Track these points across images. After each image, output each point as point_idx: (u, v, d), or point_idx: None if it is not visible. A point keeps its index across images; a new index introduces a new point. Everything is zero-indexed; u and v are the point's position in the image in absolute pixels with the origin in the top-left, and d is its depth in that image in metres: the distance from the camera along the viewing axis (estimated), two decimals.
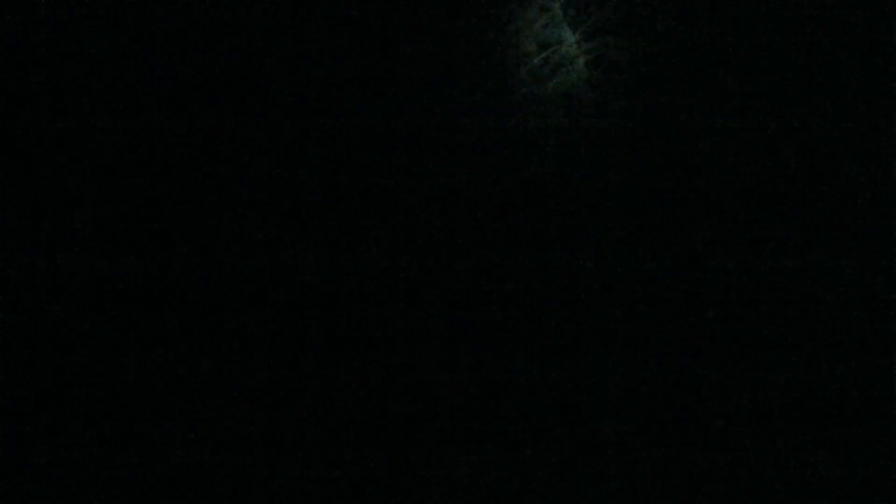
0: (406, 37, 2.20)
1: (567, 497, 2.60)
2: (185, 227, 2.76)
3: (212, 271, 2.92)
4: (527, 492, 2.77)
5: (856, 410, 2.38)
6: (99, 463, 2.46)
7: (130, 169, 2.54)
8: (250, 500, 2.63)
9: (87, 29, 2.28)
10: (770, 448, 2.35)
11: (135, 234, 2.70)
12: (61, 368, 2.69)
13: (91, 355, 2.79)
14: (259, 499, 2.66)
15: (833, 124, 2.10)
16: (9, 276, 2.67)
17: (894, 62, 1.96)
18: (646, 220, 2.10)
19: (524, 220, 2.72)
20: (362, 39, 2.44)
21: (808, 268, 2.26)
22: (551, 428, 2.77)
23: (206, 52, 2.30)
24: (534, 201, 2.66)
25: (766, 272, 2.29)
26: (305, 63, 2.08)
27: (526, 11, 2.45)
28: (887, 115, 1.91)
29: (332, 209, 2.46)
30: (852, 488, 2.30)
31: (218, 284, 2.97)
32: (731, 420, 2.43)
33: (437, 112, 2.28)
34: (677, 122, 2.03)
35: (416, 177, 2.57)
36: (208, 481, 2.57)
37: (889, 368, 2.35)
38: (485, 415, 3.07)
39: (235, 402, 2.87)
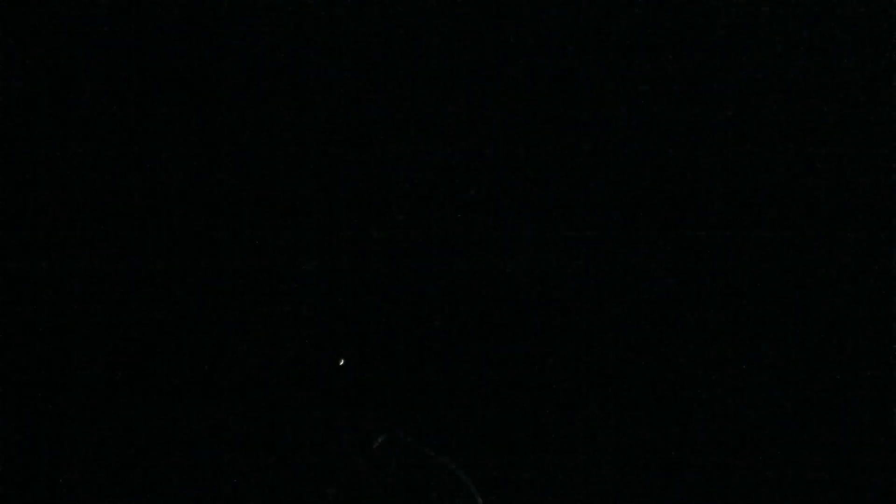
0: None
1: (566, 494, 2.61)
2: (184, 225, 2.77)
3: (212, 270, 2.93)
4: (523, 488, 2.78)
5: (856, 411, 2.39)
6: (97, 463, 2.46)
7: (129, 167, 2.55)
8: (250, 499, 2.63)
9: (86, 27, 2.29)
10: (767, 447, 2.36)
11: (134, 233, 2.71)
12: (60, 368, 2.69)
13: (90, 355, 2.79)
14: (260, 498, 2.66)
15: (833, 125, 2.12)
16: (8, 276, 2.68)
17: (894, 62, 1.97)
18: (644, 215, 2.11)
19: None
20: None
21: (807, 268, 2.27)
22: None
23: (207, 50, 2.31)
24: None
25: (765, 271, 2.30)
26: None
27: None
28: (887, 115, 1.92)
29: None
30: (852, 488, 2.31)
31: (218, 283, 2.98)
32: (730, 420, 2.45)
33: None
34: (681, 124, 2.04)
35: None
36: (208, 481, 2.58)
37: (889, 368, 2.37)
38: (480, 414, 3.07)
39: (235, 402, 2.87)
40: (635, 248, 2.13)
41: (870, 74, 1.83)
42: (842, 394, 2.19)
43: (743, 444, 2.25)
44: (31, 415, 2.19)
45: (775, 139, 1.89)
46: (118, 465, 2.24)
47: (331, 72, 1.94)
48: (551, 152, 1.90)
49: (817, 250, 1.94)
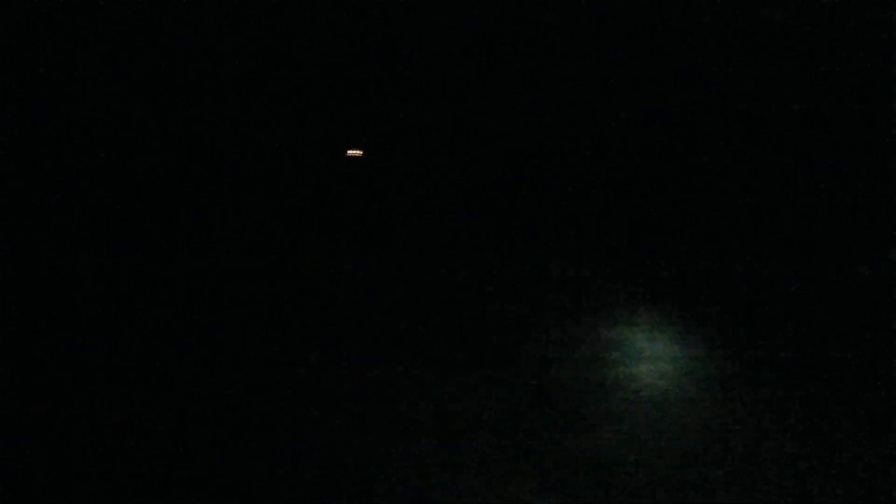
0: None
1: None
2: (182, 225, 2.75)
3: (208, 270, 2.90)
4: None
5: (855, 410, 2.38)
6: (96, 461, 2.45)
7: (128, 168, 2.53)
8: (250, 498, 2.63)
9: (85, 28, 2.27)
10: (768, 446, 2.35)
11: (133, 233, 2.69)
12: (60, 368, 2.68)
13: (89, 354, 2.78)
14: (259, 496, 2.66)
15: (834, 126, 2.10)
16: (8, 276, 2.66)
17: (894, 62, 1.95)
18: (649, 220, 2.09)
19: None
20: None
21: (808, 268, 2.25)
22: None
23: (204, 50, 2.29)
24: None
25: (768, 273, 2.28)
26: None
27: None
28: (887, 115, 1.90)
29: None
30: (851, 488, 2.30)
31: (214, 283, 2.96)
32: (731, 418, 2.44)
33: None
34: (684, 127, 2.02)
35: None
36: (206, 479, 2.57)
37: (889, 368, 2.35)
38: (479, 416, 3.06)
39: (233, 401, 2.87)
40: (635, 250, 2.14)
41: (870, 75, 1.84)
42: (842, 393, 2.19)
43: (743, 444, 2.25)
44: (30, 414, 2.20)
45: (776, 139, 1.89)
46: (117, 465, 2.25)
47: (329, 72, 1.94)
48: (550, 153, 1.90)
49: (818, 251, 1.94)
